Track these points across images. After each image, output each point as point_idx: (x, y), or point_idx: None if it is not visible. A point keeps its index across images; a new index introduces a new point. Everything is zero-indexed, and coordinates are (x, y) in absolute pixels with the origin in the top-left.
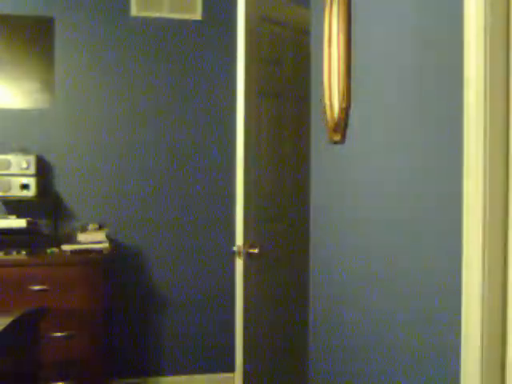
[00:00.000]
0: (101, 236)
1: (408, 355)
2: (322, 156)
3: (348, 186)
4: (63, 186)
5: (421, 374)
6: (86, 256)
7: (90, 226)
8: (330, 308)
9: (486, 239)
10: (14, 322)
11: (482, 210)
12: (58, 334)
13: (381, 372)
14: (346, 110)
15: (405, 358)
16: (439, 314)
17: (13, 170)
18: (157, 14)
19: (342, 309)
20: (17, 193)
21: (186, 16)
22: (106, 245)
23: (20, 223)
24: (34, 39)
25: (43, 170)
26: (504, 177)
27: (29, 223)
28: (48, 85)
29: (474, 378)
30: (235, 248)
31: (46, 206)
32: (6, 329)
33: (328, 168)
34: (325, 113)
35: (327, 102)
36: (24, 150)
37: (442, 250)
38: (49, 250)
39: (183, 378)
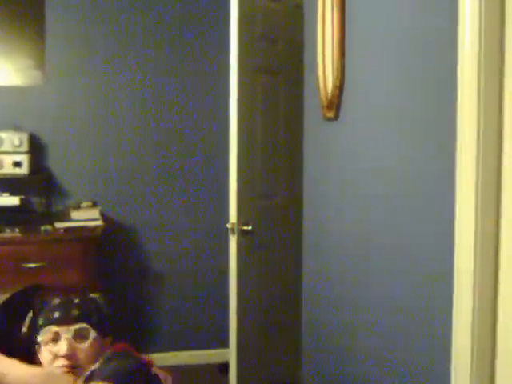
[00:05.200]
0: (94, 213)
1: (403, 320)
2: (316, 133)
3: (341, 162)
4: (56, 164)
5: (414, 335)
6: (79, 233)
7: (84, 204)
8: (324, 283)
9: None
10: (10, 298)
11: (475, 187)
12: None
13: (374, 336)
14: (339, 87)
15: (399, 321)
16: (434, 282)
17: (5, 148)
18: None
19: (337, 284)
20: (9, 170)
21: None
22: (100, 222)
23: (13, 201)
24: (25, 15)
25: (36, 148)
26: (497, 158)
27: (22, 201)
28: (40, 61)
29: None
30: (229, 225)
31: (39, 184)
32: (2, 305)
33: (321, 144)
34: (318, 90)
35: (321, 79)
36: (16, 128)
37: (437, 223)
38: (42, 228)
39: (177, 353)
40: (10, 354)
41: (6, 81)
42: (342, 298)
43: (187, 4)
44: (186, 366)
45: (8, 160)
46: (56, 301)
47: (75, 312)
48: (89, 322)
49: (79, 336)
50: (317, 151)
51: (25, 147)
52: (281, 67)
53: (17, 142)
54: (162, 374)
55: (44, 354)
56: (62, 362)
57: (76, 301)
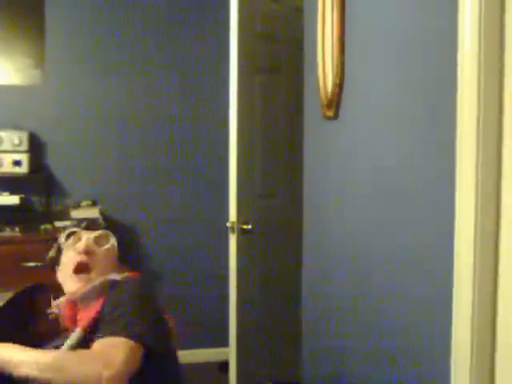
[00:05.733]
0: (94, 212)
1: (401, 307)
2: (316, 132)
3: (341, 161)
4: (56, 163)
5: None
6: None
7: (83, 203)
8: (324, 283)
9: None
10: (14, 297)
11: (475, 187)
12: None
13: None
14: (339, 86)
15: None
16: (435, 280)
17: (5, 147)
18: None
19: (337, 284)
20: (9, 169)
21: None
22: (99, 221)
23: (13, 200)
24: (24, 14)
25: (36, 147)
26: (497, 158)
27: (22, 200)
28: (40, 61)
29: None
30: (229, 224)
31: (39, 183)
32: (5, 305)
33: (321, 143)
34: (318, 89)
35: (321, 78)
36: (16, 127)
37: (437, 223)
38: (42, 227)
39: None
40: None
41: (5, 80)
42: (341, 298)
43: (187, 4)
44: (186, 364)
45: (8, 159)
46: (82, 224)
47: (100, 227)
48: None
49: (100, 242)
50: (317, 150)
51: (24, 146)
52: (280, 67)
53: (16, 141)
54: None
55: (66, 254)
56: (79, 257)
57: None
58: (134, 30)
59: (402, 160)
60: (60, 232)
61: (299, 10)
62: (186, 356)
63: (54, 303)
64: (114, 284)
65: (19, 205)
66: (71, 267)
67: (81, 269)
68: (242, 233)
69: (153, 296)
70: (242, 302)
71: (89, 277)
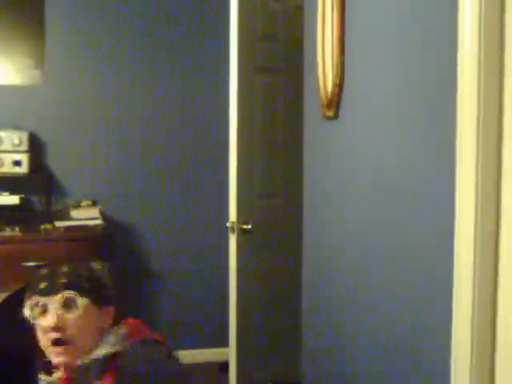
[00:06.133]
0: (94, 212)
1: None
2: (316, 132)
3: (341, 161)
4: (56, 163)
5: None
6: (79, 232)
7: (83, 203)
8: (324, 283)
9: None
10: (10, 297)
11: (475, 187)
12: None
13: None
14: (339, 86)
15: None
16: (435, 279)
17: (5, 147)
18: None
19: (338, 283)
20: (9, 169)
21: None
22: (100, 221)
23: (13, 200)
24: (24, 13)
25: (36, 147)
26: (497, 158)
27: (22, 200)
28: (40, 60)
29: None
30: (229, 224)
31: (39, 183)
32: (2, 304)
33: (321, 143)
34: (318, 89)
35: (321, 78)
36: (16, 127)
37: (437, 222)
38: (42, 227)
39: (177, 352)
40: (8, 353)
41: (5, 80)
42: (341, 298)
43: (187, 4)
44: (185, 364)
45: (8, 159)
46: (43, 271)
47: (62, 280)
48: (79, 289)
49: (67, 305)
50: (317, 150)
51: (24, 146)
52: (281, 66)
53: (16, 141)
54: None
55: (37, 328)
56: (51, 335)
57: (65, 269)
58: (133, 30)
59: (402, 160)
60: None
61: (299, 10)
62: (185, 356)
63: (49, 379)
64: (121, 356)
65: (19, 205)
66: (48, 342)
67: (58, 344)
68: (242, 233)
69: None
70: (242, 302)
71: (71, 347)
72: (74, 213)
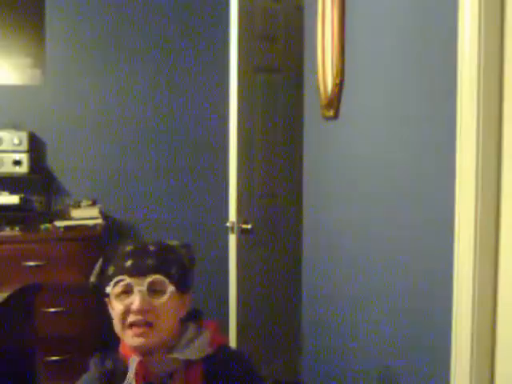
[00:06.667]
0: (94, 212)
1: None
2: (316, 132)
3: (341, 161)
4: (56, 162)
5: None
6: (79, 232)
7: (83, 202)
8: (324, 282)
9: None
10: (10, 297)
11: (475, 187)
12: (52, 310)
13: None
14: (339, 86)
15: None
16: (435, 279)
17: (5, 147)
18: None
19: (337, 283)
20: (9, 169)
21: None
22: (100, 221)
23: (13, 199)
24: (24, 13)
25: (36, 147)
26: (497, 158)
27: (22, 200)
28: (40, 60)
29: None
30: (229, 224)
31: (39, 183)
32: (2, 304)
33: (321, 143)
34: (318, 89)
35: (320, 77)
36: (16, 127)
37: (437, 222)
38: (42, 226)
39: None
40: (8, 353)
41: (5, 80)
42: (342, 298)
43: (187, 4)
44: None
45: (8, 159)
46: (129, 247)
47: (150, 261)
48: (166, 274)
49: (155, 290)
50: (317, 150)
51: (24, 146)
52: (280, 66)
53: (16, 141)
54: None
55: (116, 306)
56: (134, 317)
57: (152, 248)
58: (133, 29)
59: (402, 160)
60: (103, 259)
61: (299, 10)
62: None
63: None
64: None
65: (19, 204)
66: (125, 323)
67: (138, 326)
68: (242, 233)
69: None
70: (242, 302)
71: (152, 331)
72: (74, 213)
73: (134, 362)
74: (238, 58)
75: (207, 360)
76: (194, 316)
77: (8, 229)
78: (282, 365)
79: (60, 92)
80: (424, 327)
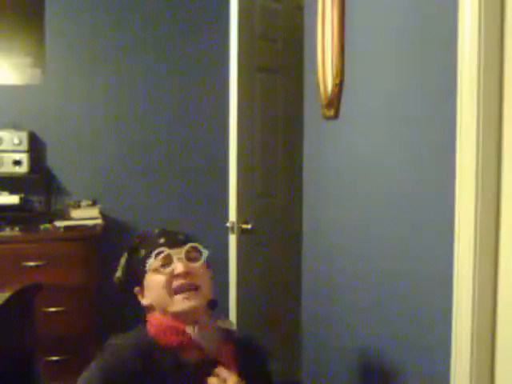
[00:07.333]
0: (94, 212)
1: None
2: (316, 131)
3: (341, 161)
4: (56, 162)
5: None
6: (79, 232)
7: (83, 203)
8: (324, 282)
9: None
10: (10, 297)
11: (475, 187)
12: (52, 310)
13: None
14: (339, 86)
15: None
16: (435, 280)
17: (5, 147)
18: None
19: (337, 283)
20: (9, 169)
21: None
22: (100, 221)
23: (13, 199)
24: (24, 14)
25: (35, 146)
26: (497, 158)
27: (21, 200)
28: (40, 60)
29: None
30: (229, 224)
31: (39, 183)
32: (2, 304)
33: (321, 143)
34: (318, 89)
35: (320, 77)
36: (16, 127)
37: (437, 222)
38: (42, 227)
39: None
40: (8, 353)
41: (5, 80)
42: (341, 298)
43: (187, 3)
44: None
45: (7, 159)
46: (157, 230)
47: (181, 236)
48: (197, 243)
49: (191, 257)
50: (317, 150)
51: (24, 146)
52: (280, 66)
53: (16, 141)
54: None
55: (157, 277)
56: (180, 281)
57: (176, 230)
58: (133, 29)
59: (402, 160)
60: (130, 252)
61: (299, 10)
62: None
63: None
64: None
65: (19, 204)
66: (173, 290)
67: (184, 290)
68: (242, 233)
69: None
70: (242, 302)
71: (198, 293)
72: (74, 213)
73: (195, 328)
74: (237, 57)
75: (238, 341)
76: (211, 305)
77: (8, 229)
78: (282, 364)
79: (60, 92)
80: (424, 327)
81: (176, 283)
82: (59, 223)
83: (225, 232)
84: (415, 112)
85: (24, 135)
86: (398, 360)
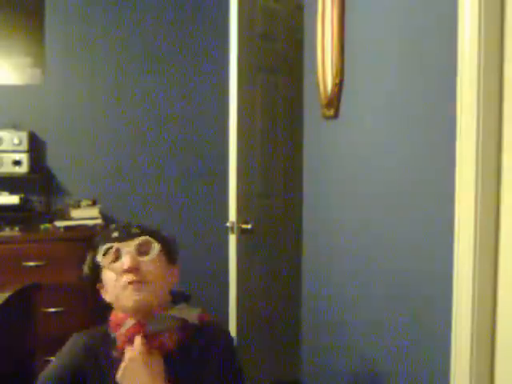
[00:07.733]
0: (94, 212)
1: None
2: (316, 131)
3: (341, 161)
4: (56, 162)
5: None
6: (79, 232)
7: (83, 202)
8: (324, 282)
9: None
10: (10, 297)
11: (475, 187)
12: (52, 310)
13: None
14: (339, 86)
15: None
16: (435, 280)
17: (5, 147)
18: None
19: (337, 283)
20: (9, 169)
21: None
22: (100, 221)
23: (13, 200)
24: (24, 14)
25: (35, 146)
26: (497, 158)
27: (21, 200)
28: (40, 60)
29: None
30: (229, 224)
31: (39, 183)
32: (2, 304)
33: (321, 143)
34: (318, 88)
35: (320, 77)
36: (16, 127)
37: (437, 222)
38: (42, 227)
39: None
40: (8, 352)
41: (5, 80)
42: (342, 298)
43: (187, 3)
44: None
45: (7, 159)
46: (113, 225)
47: (135, 230)
48: (151, 237)
49: (142, 251)
50: (317, 150)
51: (24, 146)
52: (280, 66)
53: (16, 141)
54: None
55: (107, 275)
56: (126, 277)
57: (134, 224)
58: (133, 29)
59: (402, 160)
60: (92, 248)
61: (299, 10)
62: None
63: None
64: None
65: (19, 204)
66: (123, 286)
67: (132, 284)
68: (242, 233)
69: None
70: (242, 302)
71: (147, 286)
72: (74, 213)
73: (129, 323)
74: (237, 58)
75: (196, 332)
76: (183, 299)
77: (8, 229)
78: (282, 365)
79: (60, 92)
80: (424, 328)
81: (124, 279)
82: (59, 223)
83: (225, 232)
84: (415, 112)
85: (24, 135)
86: (397, 360)
